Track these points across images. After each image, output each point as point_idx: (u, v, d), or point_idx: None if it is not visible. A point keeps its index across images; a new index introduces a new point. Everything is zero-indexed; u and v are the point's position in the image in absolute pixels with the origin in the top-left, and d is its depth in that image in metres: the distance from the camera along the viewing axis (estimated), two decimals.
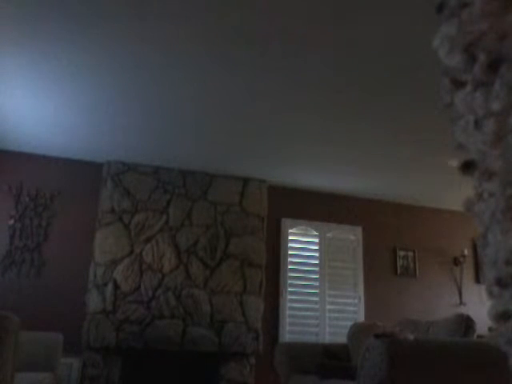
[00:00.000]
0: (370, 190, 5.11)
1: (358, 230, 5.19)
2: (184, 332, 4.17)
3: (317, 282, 4.87)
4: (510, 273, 0.39)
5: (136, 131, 3.87)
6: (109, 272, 4.16)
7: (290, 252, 4.91)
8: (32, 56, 2.85)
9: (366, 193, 5.21)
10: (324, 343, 4.09)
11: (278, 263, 4.83)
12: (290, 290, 4.78)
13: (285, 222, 4.98)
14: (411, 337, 2.17)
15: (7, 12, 2.44)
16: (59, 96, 3.34)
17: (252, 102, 3.32)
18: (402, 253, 5.27)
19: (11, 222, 4.17)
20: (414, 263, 5.27)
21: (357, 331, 3.65)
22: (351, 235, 5.15)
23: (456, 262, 5.37)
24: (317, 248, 4.99)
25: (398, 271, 5.20)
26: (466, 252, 5.33)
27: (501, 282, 0.40)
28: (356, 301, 4.95)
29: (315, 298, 4.81)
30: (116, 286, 4.14)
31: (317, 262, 4.94)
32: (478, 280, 5.41)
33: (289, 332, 4.66)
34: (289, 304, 4.74)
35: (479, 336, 3.56)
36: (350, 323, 4.10)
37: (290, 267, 4.85)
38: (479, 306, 5.01)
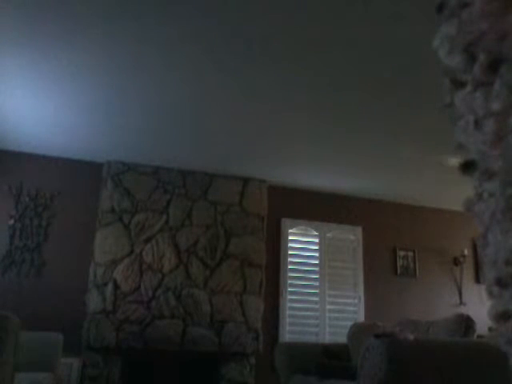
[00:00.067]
0: (370, 190, 5.11)
1: (358, 230, 5.19)
2: (184, 332, 4.17)
3: (317, 282, 4.87)
4: (510, 273, 0.39)
5: (136, 131, 3.87)
6: (109, 272, 4.16)
7: (289, 252, 4.91)
8: (32, 56, 2.85)
9: (366, 193, 5.21)
10: (324, 343, 4.09)
11: (278, 263, 4.83)
12: (290, 290, 4.78)
13: (285, 221, 4.98)
14: (411, 337, 2.17)
15: (7, 12, 2.44)
16: (59, 96, 3.34)
17: (252, 102, 3.32)
18: (401, 253, 5.27)
19: (11, 222, 4.17)
20: (414, 263, 5.27)
21: (357, 331, 3.65)
22: (351, 235, 5.15)
23: (456, 261, 5.37)
24: (317, 248, 4.99)
25: (398, 271, 5.20)
26: (466, 252, 5.33)
27: (501, 282, 0.40)
28: (356, 301, 4.95)
29: (315, 298, 4.81)
30: (116, 286, 4.14)
31: (317, 262, 4.94)
32: (478, 280, 5.41)
33: (289, 332, 4.66)
34: (289, 304, 4.74)
35: (479, 336, 3.56)
36: (350, 323, 4.09)
37: (290, 267, 4.85)
38: (479, 306, 5.00)
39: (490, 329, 4.61)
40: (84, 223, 4.36)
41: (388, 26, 2.44)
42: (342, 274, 4.99)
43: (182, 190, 4.57)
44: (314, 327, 4.73)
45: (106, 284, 4.13)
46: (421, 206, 5.53)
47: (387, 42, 2.57)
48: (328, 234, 5.06)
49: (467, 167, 0.45)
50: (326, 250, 5.00)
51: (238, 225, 4.61)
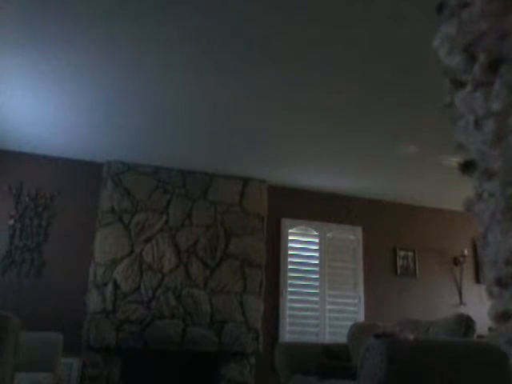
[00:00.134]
0: (370, 190, 5.11)
1: (358, 230, 5.18)
2: (184, 332, 4.17)
3: (317, 282, 4.87)
4: (510, 273, 0.39)
5: (136, 131, 3.87)
6: (109, 272, 4.16)
7: (290, 252, 4.91)
8: (32, 56, 2.85)
9: (366, 193, 5.21)
10: (324, 343, 4.09)
11: (278, 263, 4.83)
12: (290, 290, 4.78)
13: (285, 221, 4.98)
14: (411, 337, 2.17)
15: (7, 12, 2.44)
16: (59, 96, 3.34)
17: (252, 102, 3.32)
18: (402, 253, 5.27)
19: (11, 222, 4.17)
20: (414, 263, 5.27)
21: (357, 331, 3.65)
22: (351, 235, 5.15)
23: (456, 261, 5.37)
24: (317, 248, 4.99)
25: (398, 271, 5.20)
26: (466, 252, 5.33)
27: (501, 282, 0.40)
28: (356, 301, 4.95)
29: (315, 298, 4.81)
30: (116, 286, 4.14)
31: (317, 262, 4.94)
32: (478, 280, 5.41)
33: (289, 332, 4.65)
34: (289, 304, 4.74)
35: (479, 336, 3.56)
36: (350, 323, 4.09)
37: (289, 267, 4.85)
38: (479, 306, 5.00)
39: (489, 329, 4.61)
40: (84, 223, 4.36)
41: (388, 25, 2.44)
42: (341, 274, 4.99)
43: (181, 190, 4.57)
44: (313, 327, 4.73)
45: (106, 284, 4.13)
46: (421, 205, 5.53)
47: (387, 42, 2.57)
48: (328, 234, 5.06)
49: (467, 167, 0.45)
50: (326, 250, 5.00)
51: (238, 225, 4.61)
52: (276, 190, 5.00)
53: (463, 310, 4.99)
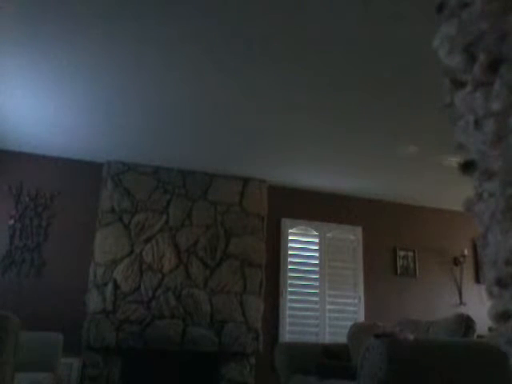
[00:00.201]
0: (370, 190, 5.11)
1: (358, 230, 5.19)
2: (184, 332, 4.17)
3: (317, 282, 4.87)
4: (510, 273, 0.39)
5: (136, 131, 3.87)
6: (109, 272, 4.16)
7: (290, 252, 4.91)
8: (32, 56, 2.85)
9: (366, 193, 5.21)
10: (324, 343, 4.09)
11: (278, 263, 4.83)
12: (290, 290, 4.78)
13: (285, 221, 4.98)
14: (411, 337, 2.17)
15: (7, 12, 2.44)
16: (59, 96, 3.34)
17: (252, 102, 3.32)
18: (402, 253, 5.27)
19: (11, 222, 4.17)
20: (414, 263, 5.27)
21: (357, 331, 3.65)
22: (351, 235, 5.15)
23: (456, 261, 5.37)
24: (317, 248, 4.99)
25: (398, 271, 5.20)
26: (466, 252, 5.33)
27: (501, 282, 0.40)
28: (356, 301, 4.95)
29: (315, 298, 4.81)
30: (116, 286, 4.14)
31: (317, 262, 4.94)
32: (478, 280, 5.41)
33: (289, 332, 4.65)
34: (289, 304, 4.74)
35: (479, 336, 3.56)
36: (350, 323, 4.09)
37: (290, 267, 4.85)
38: (479, 306, 5.00)
39: (489, 329, 4.61)
40: (84, 223, 4.36)
41: (388, 25, 2.44)
42: (341, 274, 4.99)
43: (181, 190, 4.57)
44: (314, 327, 4.73)
45: (106, 284, 4.13)
46: (421, 206, 5.53)
47: (387, 42, 2.57)
48: (328, 234, 5.06)
49: (467, 167, 0.45)
50: (326, 250, 5.00)
51: (238, 225, 4.61)
52: (276, 190, 5.00)
53: (463, 310, 4.99)
